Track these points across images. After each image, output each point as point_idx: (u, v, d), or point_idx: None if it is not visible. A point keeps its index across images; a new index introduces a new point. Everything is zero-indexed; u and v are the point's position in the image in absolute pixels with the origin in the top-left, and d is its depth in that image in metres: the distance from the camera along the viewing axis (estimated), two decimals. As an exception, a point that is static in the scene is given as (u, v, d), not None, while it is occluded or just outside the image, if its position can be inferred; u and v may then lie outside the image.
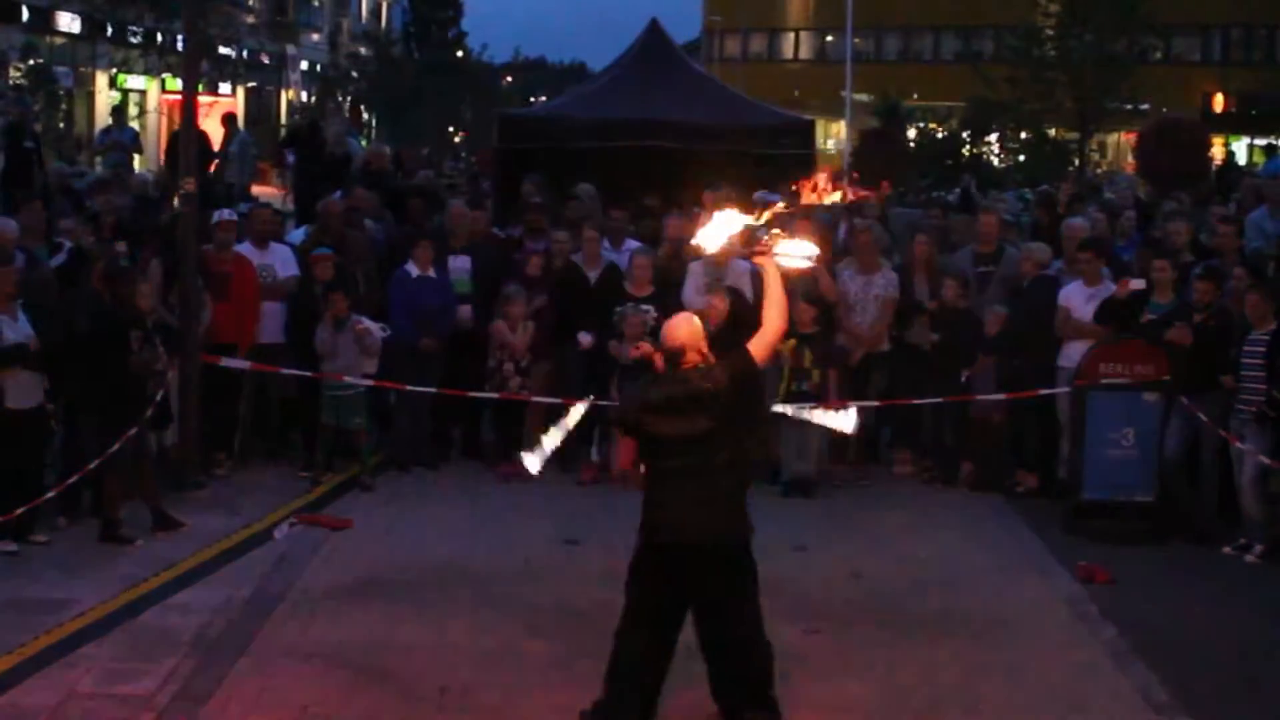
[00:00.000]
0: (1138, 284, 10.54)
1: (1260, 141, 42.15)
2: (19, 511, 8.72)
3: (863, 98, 39.73)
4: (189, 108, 11.41)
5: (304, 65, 49.68)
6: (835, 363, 11.11)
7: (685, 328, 6.48)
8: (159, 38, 34.19)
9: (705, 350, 6.51)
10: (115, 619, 7.85)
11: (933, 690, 7.28)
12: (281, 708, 6.79)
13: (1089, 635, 8.17)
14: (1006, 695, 7.26)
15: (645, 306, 10.95)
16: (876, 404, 11.36)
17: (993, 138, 35.22)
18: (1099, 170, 32.79)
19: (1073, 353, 10.75)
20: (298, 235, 12.64)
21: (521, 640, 7.76)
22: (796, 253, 6.59)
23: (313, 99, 44.73)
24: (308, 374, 10.94)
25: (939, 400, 11.13)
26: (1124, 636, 8.10)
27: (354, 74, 45.71)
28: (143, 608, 8.06)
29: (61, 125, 29.35)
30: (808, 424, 10.94)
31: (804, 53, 63.45)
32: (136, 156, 23.13)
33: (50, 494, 8.99)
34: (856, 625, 8.15)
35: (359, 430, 10.94)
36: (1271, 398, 9.48)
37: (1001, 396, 10.93)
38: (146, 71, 35.64)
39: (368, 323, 10.88)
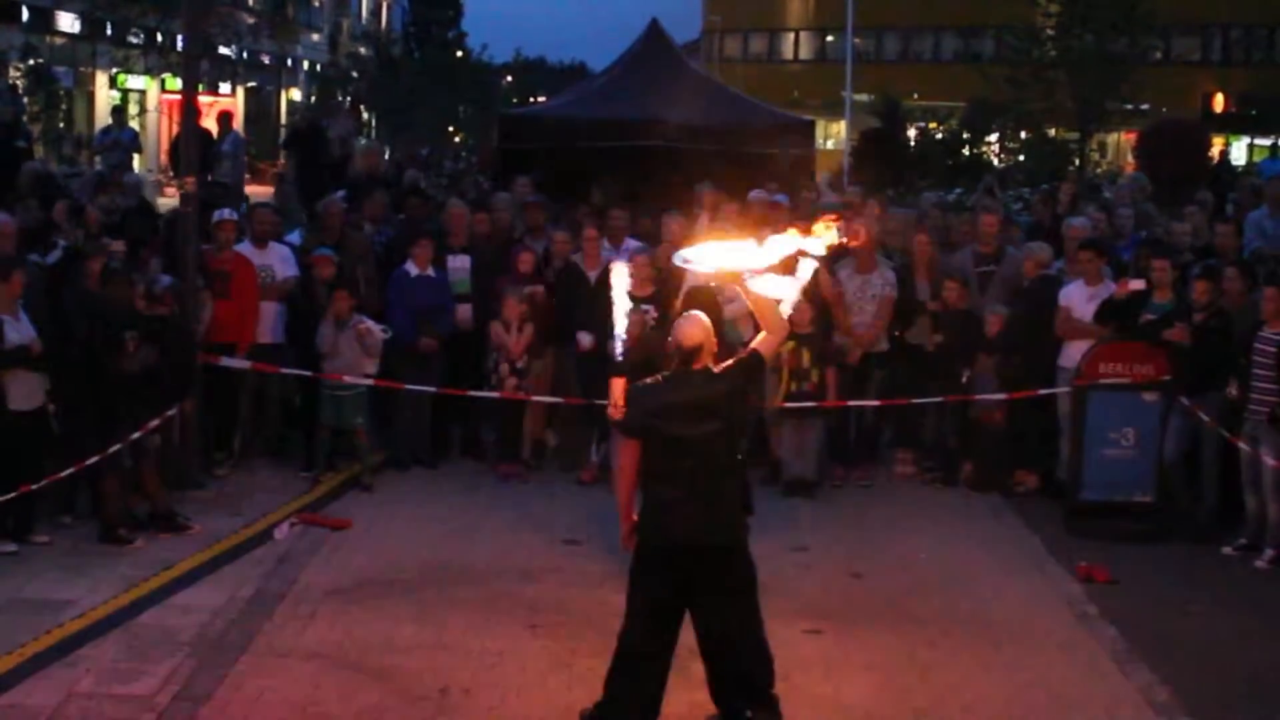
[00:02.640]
0: (1137, 284, 10.53)
1: (1262, 141, 42.21)
2: (11, 498, 8.69)
3: (863, 98, 39.71)
4: (189, 108, 11.41)
5: (304, 65, 49.70)
6: (833, 361, 11.11)
7: (700, 328, 6.49)
8: (159, 38, 34.19)
9: (716, 350, 6.55)
10: (115, 619, 7.85)
11: (932, 690, 7.29)
12: (281, 708, 6.80)
13: (1089, 635, 8.17)
14: (1006, 695, 7.27)
15: (645, 306, 10.94)
16: (876, 403, 11.35)
17: (993, 138, 35.19)
18: (1099, 170, 32.74)
19: (1073, 353, 10.74)
20: (297, 236, 12.63)
21: (521, 640, 7.77)
22: (771, 290, 6.66)
23: (313, 99, 44.74)
24: (308, 374, 10.94)
25: (939, 400, 11.12)
26: (1124, 636, 8.10)
27: (354, 74, 45.72)
28: (143, 608, 8.05)
29: (61, 125, 29.33)
30: (807, 426, 10.93)
31: (804, 53, 63.49)
32: (136, 156, 23.12)
33: (43, 481, 8.96)
34: (856, 625, 8.15)
35: (359, 430, 10.94)
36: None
37: (1001, 396, 10.92)
38: (146, 71, 35.63)
39: (369, 323, 10.87)
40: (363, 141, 20.59)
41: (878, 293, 11.40)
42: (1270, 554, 9.52)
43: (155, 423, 9.37)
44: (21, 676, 7.01)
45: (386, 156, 26.99)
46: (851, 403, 11.21)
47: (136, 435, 9.23)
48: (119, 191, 13.32)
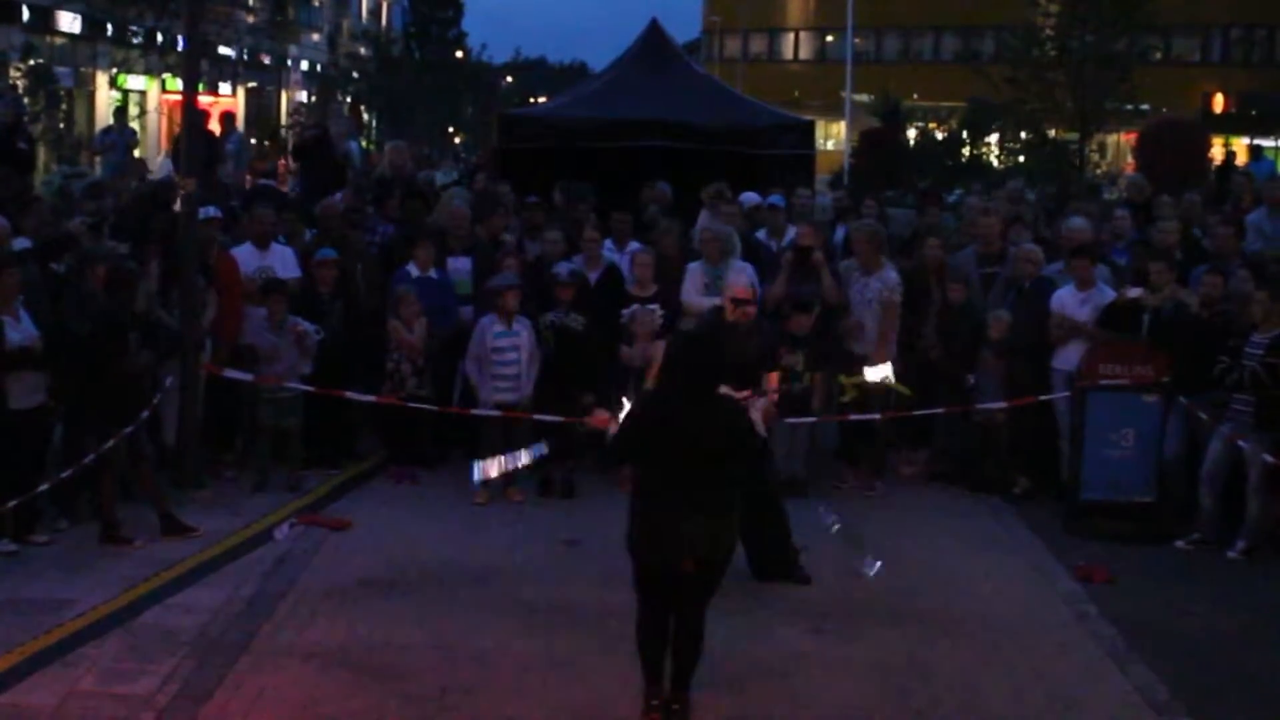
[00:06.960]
0: (1136, 292, 10.52)
1: (1264, 142, 42.21)
2: (11, 504, 8.70)
3: (863, 98, 39.77)
4: (189, 108, 11.40)
5: (304, 65, 49.70)
6: (827, 366, 10.96)
7: None
8: (159, 38, 34.19)
9: None
10: (115, 619, 7.85)
11: (932, 690, 7.28)
12: (281, 708, 6.80)
13: (1089, 635, 8.17)
14: (1006, 695, 7.27)
15: (651, 306, 10.87)
16: (877, 416, 11.15)
17: (992, 138, 35.21)
18: (1099, 171, 32.75)
19: (1068, 355, 10.74)
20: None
21: (520, 640, 7.76)
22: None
23: (312, 99, 44.75)
24: (309, 388, 10.82)
25: (941, 411, 11.03)
26: (1124, 636, 8.10)
27: (354, 74, 45.73)
28: (143, 608, 8.05)
29: (62, 126, 29.31)
30: (797, 426, 10.84)
31: (804, 53, 63.61)
32: (136, 155, 23.09)
33: (43, 486, 8.97)
34: (857, 625, 8.15)
35: (294, 431, 10.84)
36: (1254, 372, 9.43)
37: (1004, 405, 10.85)
38: (147, 71, 35.65)
39: (303, 324, 10.82)
40: (362, 143, 20.58)
41: (875, 296, 11.15)
42: (1242, 545, 9.65)
43: (129, 430, 9.28)
44: (21, 676, 7.01)
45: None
46: (852, 416, 11.09)
47: (129, 430, 9.21)
48: (107, 193, 13.25)
